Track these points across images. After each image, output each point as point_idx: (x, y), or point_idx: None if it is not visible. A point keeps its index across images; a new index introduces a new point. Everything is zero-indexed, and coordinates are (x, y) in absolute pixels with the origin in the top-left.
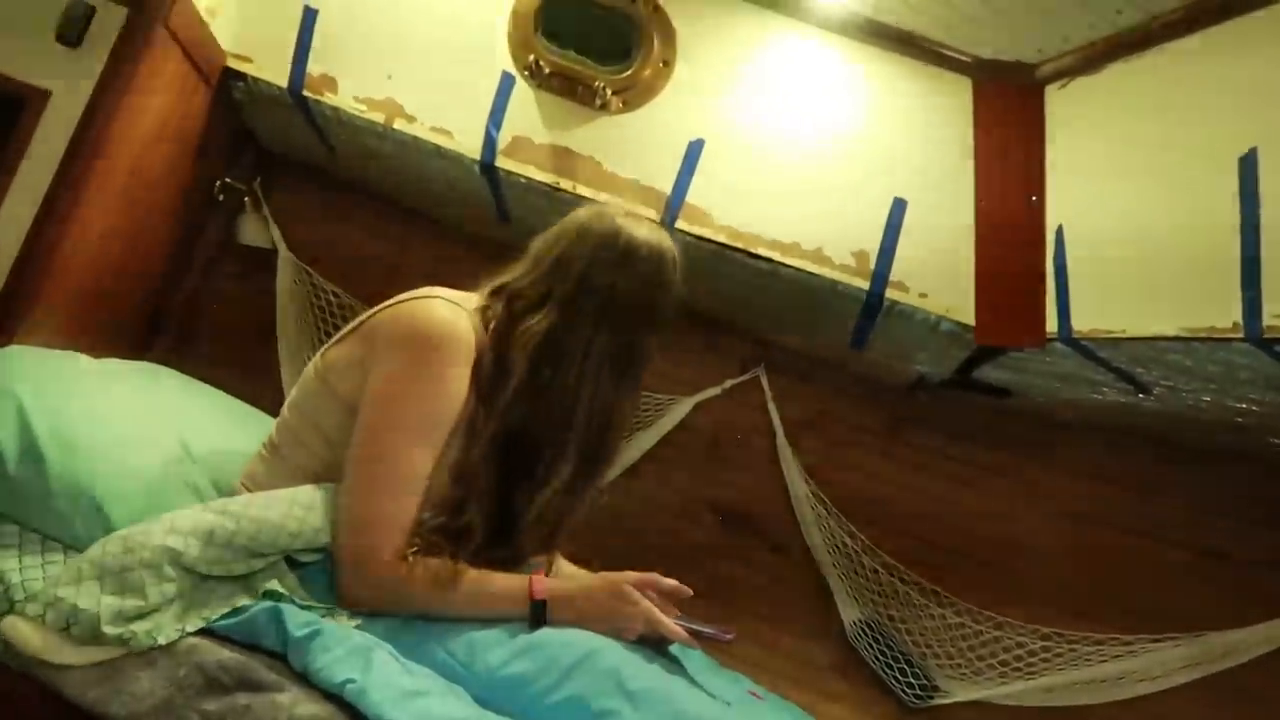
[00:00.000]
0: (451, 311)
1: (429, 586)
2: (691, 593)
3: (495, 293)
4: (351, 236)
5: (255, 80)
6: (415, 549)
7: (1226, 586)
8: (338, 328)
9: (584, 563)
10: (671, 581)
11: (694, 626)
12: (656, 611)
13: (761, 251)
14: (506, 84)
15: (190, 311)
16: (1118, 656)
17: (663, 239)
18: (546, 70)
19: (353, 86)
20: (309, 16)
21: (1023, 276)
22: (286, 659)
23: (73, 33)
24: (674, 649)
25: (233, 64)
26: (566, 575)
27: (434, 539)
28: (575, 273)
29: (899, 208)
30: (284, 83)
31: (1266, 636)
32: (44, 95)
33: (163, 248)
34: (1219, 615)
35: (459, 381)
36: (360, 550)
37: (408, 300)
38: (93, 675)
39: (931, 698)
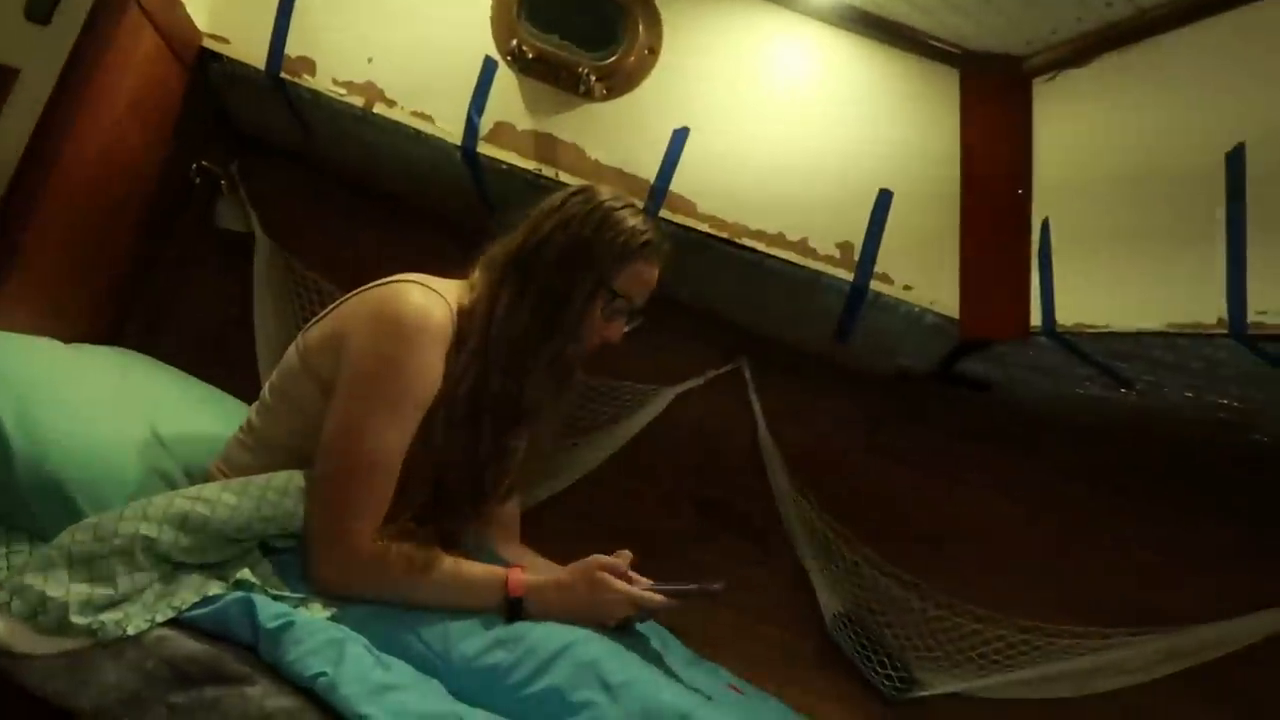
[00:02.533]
0: (425, 297)
1: (402, 570)
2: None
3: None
4: (331, 222)
5: (232, 61)
6: (389, 533)
7: (1207, 580)
8: (316, 314)
9: (559, 557)
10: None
11: (677, 589)
12: (636, 592)
13: (745, 242)
14: (489, 69)
15: (165, 296)
16: (1096, 650)
17: (642, 217)
18: (530, 55)
19: (332, 69)
20: None
21: (1008, 269)
22: (257, 651)
23: (42, 10)
24: (655, 642)
25: (209, 44)
26: (540, 569)
27: (407, 524)
28: (546, 227)
29: (884, 199)
30: (261, 64)
31: (1246, 630)
32: (12, 74)
33: (136, 231)
34: (1200, 609)
35: (432, 365)
36: (333, 530)
37: (383, 285)
38: (58, 666)
39: (911, 690)
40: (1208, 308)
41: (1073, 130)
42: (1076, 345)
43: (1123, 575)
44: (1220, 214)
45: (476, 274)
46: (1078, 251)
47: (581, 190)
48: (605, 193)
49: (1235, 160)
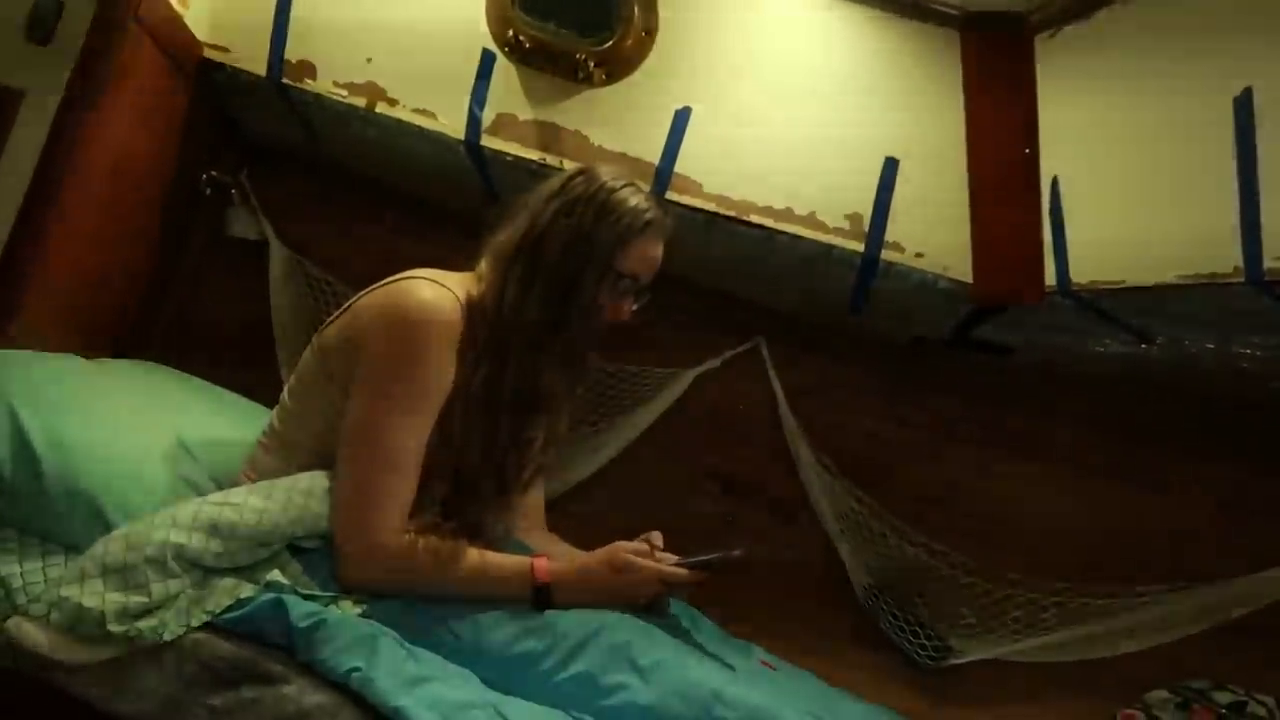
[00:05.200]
0: (433, 291)
1: (429, 563)
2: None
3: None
4: (342, 223)
5: (233, 70)
6: (414, 527)
7: (1239, 533)
8: (331, 315)
9: (585, 543)
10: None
11: (699, 560)
12: (663, 569)
13: (754, 219)
14: (488, 61)
15: (183, 307)
16: (1129, 608)
17: (643, 195)
18: (527, 45)
19: (332, 71)
20: (284, 1)
21: (1019, 231)
22: (292, 650)
23: (42, 30)
24: (685, 622)
25: (209, 54)
26: (566, 556)
27: (433, 518)
28: (548, 213)
29: (890, 167)
30: (262, 71)
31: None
32: (17, 95)
33: (150, 244)
34: (1230, 563)
35: (444, 358)
36: (358, 527)
37: (393, 282)
38: (99, 674)
39: (946, 658)
40: (1223, 256)
41: (1078, 85)
42: (1093, 303)
43: (1152, 532)
44: (1231, 159)
45: (484, 264)
46: (1089, 208)
47: (581, 172)
48: (605, 173)
49: (1244, 104)
